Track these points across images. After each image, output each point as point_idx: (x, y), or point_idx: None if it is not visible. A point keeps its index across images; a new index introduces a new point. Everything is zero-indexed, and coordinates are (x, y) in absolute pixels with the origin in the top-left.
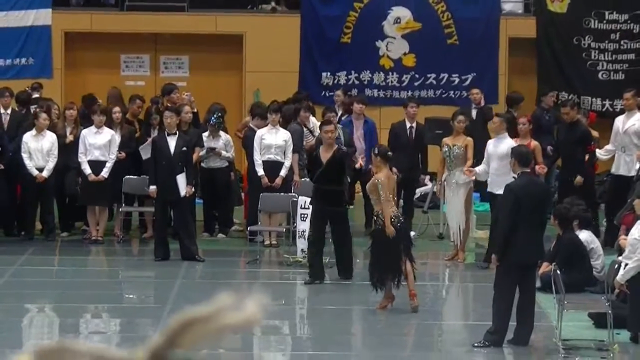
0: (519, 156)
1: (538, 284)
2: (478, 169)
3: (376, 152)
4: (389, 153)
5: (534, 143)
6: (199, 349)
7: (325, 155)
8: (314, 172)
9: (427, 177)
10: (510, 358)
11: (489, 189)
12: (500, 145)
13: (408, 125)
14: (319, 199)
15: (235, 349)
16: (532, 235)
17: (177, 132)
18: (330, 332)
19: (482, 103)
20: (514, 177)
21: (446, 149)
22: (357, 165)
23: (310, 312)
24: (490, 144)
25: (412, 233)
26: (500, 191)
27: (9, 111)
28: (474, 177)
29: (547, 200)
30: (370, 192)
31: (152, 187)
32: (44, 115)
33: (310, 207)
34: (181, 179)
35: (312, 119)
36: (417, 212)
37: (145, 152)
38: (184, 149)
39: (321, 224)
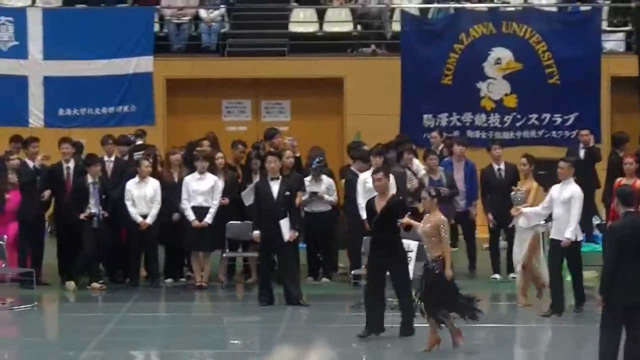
0: (623, 196)
1: None
2: (528, 209)
3: (433, 193)
4: (443, 195)
5: None
6: None
7: (379, 204)
8: (370, 221)
9: None
10: None
11: (551, 236)
12: (564, 191)
13: (496, 167)
14: (375, 248)
15: None
16: (637, 274)
17: (280, 177)
18: None
19: (592, 143)
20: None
21: (513, 193)
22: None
23: (416, 356)
24: (555, 189)
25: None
26: (562, 237)
27: (112, 158)
28: (519, 216)
29: None
30: (429, 235)
31: (256, 232)
32: (146, 163)
33: (413, 249)
34: (284, 224)
35: (415, 161)
36: None
37: (248, 198)
38: (287, 193)
39: (377, 274)
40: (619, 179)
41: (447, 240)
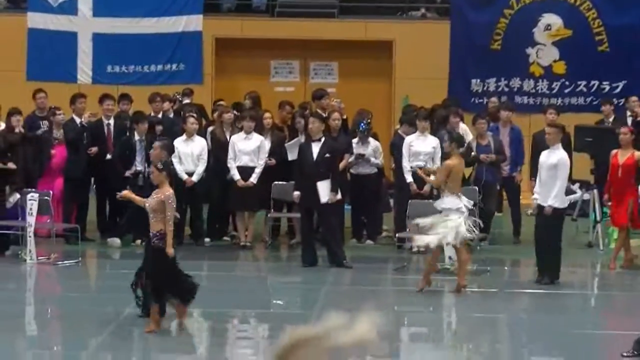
0: None
1: None
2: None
3: (160, 167)
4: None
5: (637, 154)
6: None
7: None
8: None
9: (577, 184)
10: None
11: (537, 201)
12: (552, 156)
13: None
14: None
15: (381, 356)
16: None
17: (322, 139)
18: (477, 340)
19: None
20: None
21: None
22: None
23: (457, 320)
24: (544, 155)
25: None
26: (546, 203)
27: (159, 116)
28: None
29: None
30: (155, 210)
31: (296, 193)
32: (192, 120)
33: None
34: (322, 186)
35: (462, 125)
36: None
37: (292, 150)
38: (327, 155)
39: None
40: (614, 151)
41: (170, 216)
